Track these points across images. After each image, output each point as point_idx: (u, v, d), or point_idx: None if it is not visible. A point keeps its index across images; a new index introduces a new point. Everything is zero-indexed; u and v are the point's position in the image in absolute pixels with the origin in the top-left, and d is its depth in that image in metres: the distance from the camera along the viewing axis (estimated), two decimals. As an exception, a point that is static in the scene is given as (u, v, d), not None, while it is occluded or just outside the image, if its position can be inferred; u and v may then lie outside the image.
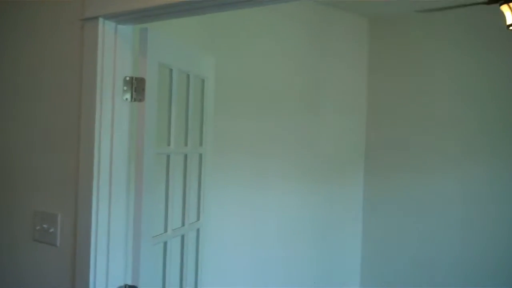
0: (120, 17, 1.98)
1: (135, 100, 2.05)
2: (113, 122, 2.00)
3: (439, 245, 4.78)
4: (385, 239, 5.12)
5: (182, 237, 2.45)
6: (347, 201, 5.17)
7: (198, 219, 2.61)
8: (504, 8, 2.98)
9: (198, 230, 2.60)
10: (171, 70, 2.27)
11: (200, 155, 2.61)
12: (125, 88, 2.03)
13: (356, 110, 5.19)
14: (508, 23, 2.97)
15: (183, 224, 2.45)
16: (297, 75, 4.58)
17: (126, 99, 2.04)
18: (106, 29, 2.00)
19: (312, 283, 4.75)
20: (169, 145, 2.30)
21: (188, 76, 2.43)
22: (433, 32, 4.72)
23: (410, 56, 4.94)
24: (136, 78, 2.05)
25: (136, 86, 2.04)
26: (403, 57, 4.98)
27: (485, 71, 4.51)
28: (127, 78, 2.04)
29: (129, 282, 2.07)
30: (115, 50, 2.01)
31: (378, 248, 5.15)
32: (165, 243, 2.27)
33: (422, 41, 4.84)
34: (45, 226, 2.13)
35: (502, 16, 3.04)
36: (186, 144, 2.47)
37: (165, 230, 2.29)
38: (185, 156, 2.46)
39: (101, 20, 1.98)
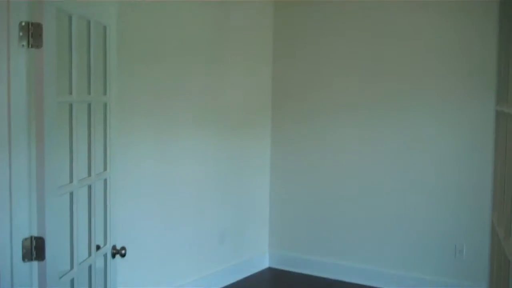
0: (13, -43, 1.87)
1: (32, 46, 1.96)
2: (9, 69, 1.91)
3: (337, 191, 5.08)
4: (290, 185, 5.32)
5: (89, 187, 2.42)
6: (256, 149, 5.28)
7: (105, 169, 2.58)
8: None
9: (105, 180, 2.57)
10: (70, 16, 2.19)
11: (105, 104, 2.56)
12: (21, 34, 1.94)
13: (262, 60, 5.25)
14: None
15: (89, 175, 2.41)
16: (205, 26, 4.55)
17: (23, 45, 1.95)
18: (-3, -30, 1.88)
19: (222, 230, 4.85)
20: (71, 93, 2.23)
21: (89, 22, 2.36)
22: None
23: (314, 15, 5.05)
24: (32, 23, 1.96)
25: (33, 32, 1.95)
26: (307, 14, 5.08)
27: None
28: (23, 24, 1.94)
29: (35, 234, 2.03)
30: (8, -7, 1.91)
31: (284, 193, 5.35)
32: (71, 193, 2.24)
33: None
34: None
35: None
36: (89, 93, 2.40)
37: (71, 181, 2.25)
38: (89, 105, 2.41)
39: (-9, -40, 1.87)
